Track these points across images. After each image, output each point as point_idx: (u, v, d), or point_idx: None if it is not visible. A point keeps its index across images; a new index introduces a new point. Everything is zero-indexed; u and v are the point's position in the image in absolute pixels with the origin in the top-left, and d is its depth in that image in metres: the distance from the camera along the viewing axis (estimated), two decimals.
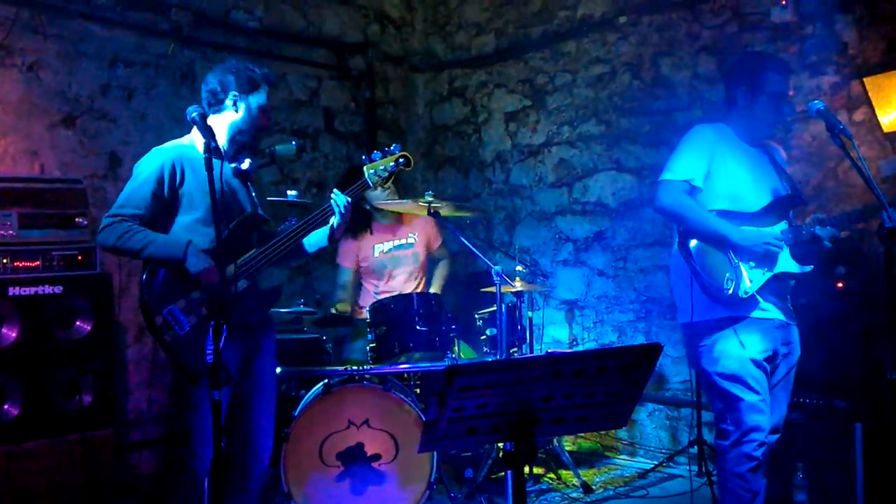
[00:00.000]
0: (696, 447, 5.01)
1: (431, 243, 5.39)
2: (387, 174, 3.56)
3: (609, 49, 5.84)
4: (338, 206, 3.42)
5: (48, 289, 4.17)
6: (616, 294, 5.82)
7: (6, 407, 4.02)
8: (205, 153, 2.90)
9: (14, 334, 4.05)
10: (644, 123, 5.66)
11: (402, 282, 5.19)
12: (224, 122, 3.39)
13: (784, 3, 4.83)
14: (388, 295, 4.98)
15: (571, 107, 6.07)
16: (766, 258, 3.34)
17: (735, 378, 3.32)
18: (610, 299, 5.85)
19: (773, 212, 3.41)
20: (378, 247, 5.20)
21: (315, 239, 3.54)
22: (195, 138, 3.39)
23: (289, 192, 4.81)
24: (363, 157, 3.60)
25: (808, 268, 3.42)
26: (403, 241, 5.25)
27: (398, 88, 6.98)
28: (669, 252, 3.62)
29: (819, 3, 4.80)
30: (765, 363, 3.37)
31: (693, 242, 3.36)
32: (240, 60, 3.48)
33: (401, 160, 3.57)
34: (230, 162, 3.40)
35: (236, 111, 3.37)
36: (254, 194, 3.48)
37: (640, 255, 5.70)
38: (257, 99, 3.40)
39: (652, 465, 5.27)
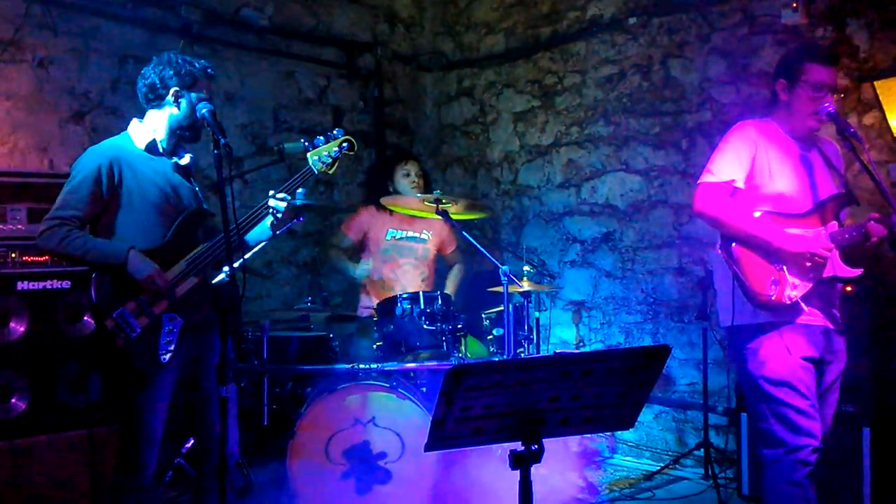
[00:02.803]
0: (702, 450, 5.00)
1: (445, 246, 5.39)
2: (330, 160, 3.54)
3: (618, 50, 5.83)
4: (274, 209, 3.37)
5: (56, 284, 4.17)
6: (623, 295, 5.81)
7: (13, 401, 4.03)
8: (214, 150, 2.90)
9: (22, 329, 4.07)
10: (653, 125, 5.65)
11: (407, 272, 5.20)
12: (163, 118, 3.34)
13: (795, 5, 4.80)
14: (393, 283, 5.07)
15: (580, 107, 6.07)
16: (810, 266, 3.20)
17: (784, 383, 3.19)
18: (617, 300, 5.84)
19: (821, 212, 3.28)
20: (392, 232, 5.23)
21: (256, 233, 3.47)
22: (133, 133, 3.36)
23: (297, 191, 4.81)
24: (306, 144, 3.56)
25: (858, 271, 3.27)
26: (417, 234, 5.27)
27: (407, 87, 6.98)
28: (712, 253, 3.49)
29: (830, 6, 4.79)
30: (812, 368, 3.24)
31: (735, 246, 3.23)
32: (176, 54, 3.38)
33: (344, 144, 3.55)
34: (169, 157, 3.37)
35: (177, 107, 3.31)
36: (196, 189, 3.44)
37: (648, 256, 5.68)
38: (198, 93, 3.32)
39: (658, 468, 5.26)
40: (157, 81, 3.31)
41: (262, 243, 3.53)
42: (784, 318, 3.22)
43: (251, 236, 3.48)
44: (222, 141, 2.91)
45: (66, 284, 4.21)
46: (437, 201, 4.25)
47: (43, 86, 4.87)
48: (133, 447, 3.19)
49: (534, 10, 6.36)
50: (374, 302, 4.84)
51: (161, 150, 3.36)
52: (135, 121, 3.40)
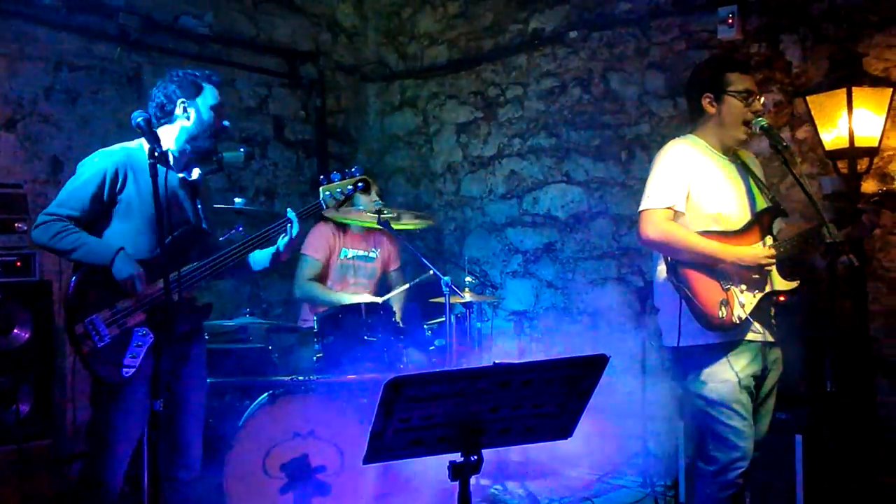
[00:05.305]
0: (641, 458, 5.05)
1: (389, 264, 5.36)
2: (343, 197, 3.50)
3: (560, 63, 5.89)
4: (291, 226, 3.36)
5: None
6: (564, 305, 5.86)
7: None
8: (149, 159, 2.85)
9: None
10: (593, 137, 5.72)
11: (357, 291, 5.16)
12: (175, 131, 3.32)
13: (731, 21, 4.92)
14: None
15: (522, 119, 6.11)
16: (758, 278, 3.26)
17: (722, 403, 3.24)
18: (558, 311, 5.88)
19: (756, 227, 3.33)
20: (345, 250, 5.19)
21: (259, 257, 3.49)
22: (145, 143, 3.32)
23: (236, 200, 4.76)
24: (321, 178, 3.56)
25: (795, 283, 3.33)
26: (366, 253, 5.23)
27: (349, 98, 6.96)
28: (653, 275, 3.53)
29: (764, 23, 4.91)
30: (752, 387, 3.29)
31: (683, 270, 3.24)
32: (179, 67, 3.41)
33: (360, 184, 3.53)
34: (179, 172, 3.34)
35: (187, 118, 3.31)
36: (199, 207, 3.39)
37: (589, 266, 5.74)
38: (205, 101, 3.33)
39: (597, 476, 5.30)
40: (164, 98, 3.31)
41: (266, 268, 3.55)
42: (733, 337, 3.26)
43: (255, 258, 3.49)
44: (157, 150, 2.86)
45: None
46: (379, 213, 4.25)
47: None
48: (98, 460, 3.13)
49: (476, 22, 6.39)
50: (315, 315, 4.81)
51: (171, 164, 3.30)
52: None
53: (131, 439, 3.17)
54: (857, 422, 4.33)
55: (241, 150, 3.79)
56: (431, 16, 6.70)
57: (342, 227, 5.16)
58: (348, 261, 5.18)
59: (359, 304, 4.44)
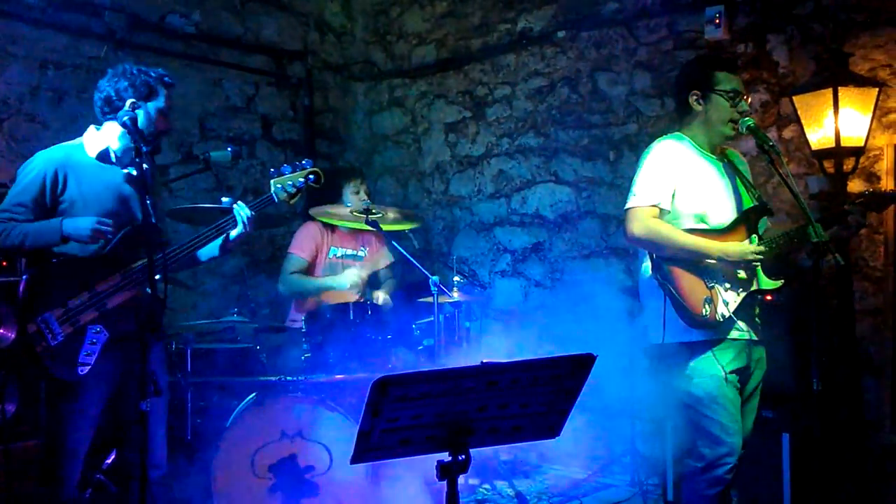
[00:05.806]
0: (629, 457, 5.06)
1: (378, 262, 5.35)
2: (294, 190, 3.50)
3: (548, 63, 5.89)
4: (241, 216, 3.38)
5: None
6: (553, 305, 5.86)
7: None
8: (136, 157, 2.84)
9: None
10: (581, 137, 5.73)
11: (347, 292, 5.15)
12: (119, 129, 3.28)
13: (717, 21, 4.94)
14: (327, 302, 4.95)
15: (510, 119, 6.12)
16: (743, 277, 3.27)
17: (710, 399, 3.25)
18: (547, 310, 5.89)
19: (742, 226, 3.34)
20: (334, 249, 5.17)
21: (208, 248, 3.49)
22: (87, 140, 3.31)
23: (223, 199, 4.73)
24: (272, 171, 3.54)
25: (780, 282, 3.34)
26: (355, 251, 5.21)
27: (337, 97, 6.94)
28: (637, 274, 3.55)
29: (751, 23, 4.93)
30: (737, 383, 3.31)
31: (669, 267, 3.26)
32: (132, 64, 3.37)
33: (310, 177, 3.51)
34: (124, 168, 3.32)
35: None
36: (148, 202, 3.39)
37: (577, 266, 5.75)
38: (156, 103, 3.31)
39: (586, 475, 5.31)
40: (113, 94, 3.27)
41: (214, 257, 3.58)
42: (717, 335, 3.28)
43: (204, 251, 3.49)
44: (144, 149, 2.86)
45: None
46: (367, 212, 4.24)
47: None
48: (55, 458, 3.13)
49: (465, 21, 6.39)
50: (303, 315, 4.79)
51: (114, 160, 3.28)
52: (91, 128, 3.33)
53: (87, 437, 3.19)
54: (843, 420, 4.35)
55: (229, 149, 3.79)
56: (419, 15, 6.69)
57: (330, 226, 5.15)
58: (337, 259, 5.17)
59: (347, 304, 4.43)
